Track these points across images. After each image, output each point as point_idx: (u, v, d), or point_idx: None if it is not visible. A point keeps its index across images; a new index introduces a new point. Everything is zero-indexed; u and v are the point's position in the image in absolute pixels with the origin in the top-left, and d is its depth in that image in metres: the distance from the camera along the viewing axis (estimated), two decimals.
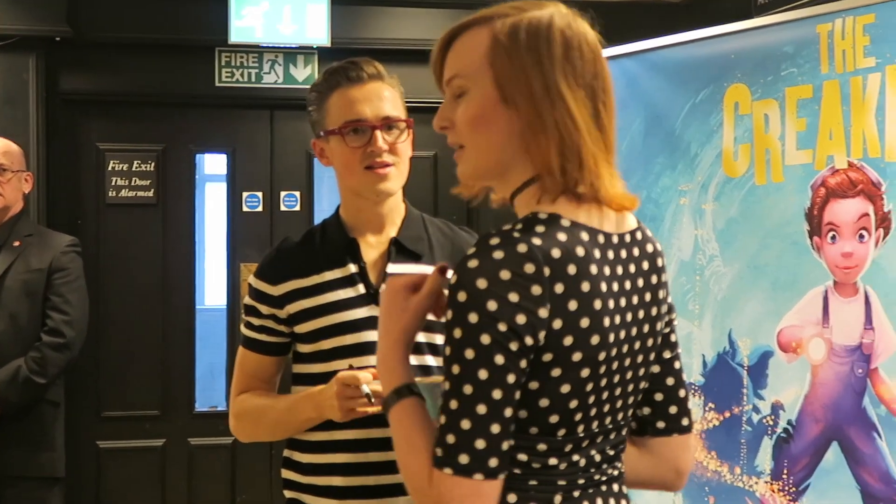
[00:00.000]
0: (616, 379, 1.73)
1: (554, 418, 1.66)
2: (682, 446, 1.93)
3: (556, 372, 1.63)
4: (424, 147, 6.21)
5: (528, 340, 1.58)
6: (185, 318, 6.10)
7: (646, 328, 1.77)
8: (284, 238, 2.59)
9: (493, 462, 1.57)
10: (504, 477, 1.60)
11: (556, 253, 1.60)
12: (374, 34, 6.05)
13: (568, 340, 1.61)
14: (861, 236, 3.33)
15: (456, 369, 1.58)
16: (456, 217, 6.24)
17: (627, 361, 1.74)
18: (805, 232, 3.48)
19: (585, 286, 1.63)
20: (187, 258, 6.11)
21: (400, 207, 2.57)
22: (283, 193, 6.12)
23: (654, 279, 1.80)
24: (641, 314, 1.76)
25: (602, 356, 1.67)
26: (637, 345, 1.76)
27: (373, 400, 2.28)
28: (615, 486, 1.80)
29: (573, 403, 1.66)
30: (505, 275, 1.56)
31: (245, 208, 6.14)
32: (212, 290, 8.52)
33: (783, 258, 3.56)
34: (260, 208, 6.13)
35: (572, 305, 1.61)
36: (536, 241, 1.60)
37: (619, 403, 1.77)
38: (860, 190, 3.33)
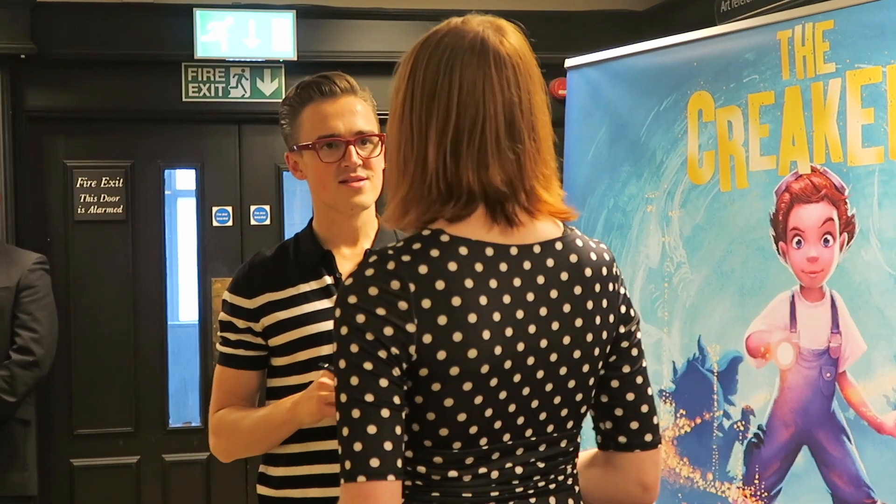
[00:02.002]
0: (525, 391, 1.72)
1: (444, 431, 1.68)
2: (646, 461, 1.91)
3: (436, 386, 1.66)
4: None
5: (394, 350, 1.62)
6: (157, 334, 6.08)
7: (565, 339, 1.75)
8: (257, 252, 2.60)
9: (374, 462, 1.60)
10: (396, 480, 1.62)
11: (422, 269, 1.64)
12: (340, 47, 6.05)
13: (441, 355, 1.64)
14: (826, 241, 3.35)
15: (335, 381, 1.65)
16: None
17: (540, 374, 1.73)
18: (770, 237, 3.50)
19: (456, 301, 1.65)
20: (158, 274, 6.09)
21: (373, 221, 2.58)
22: (252, 207, 6.12)
23: (577, 290, 1.78)
24: (556, 325, 1.74)
25: (485, 369, 1.67)
26: (553, 356, 1.74)
27: None
28: (552, 499, 1.79)
29: (461, 417, 1.67)
30: (373, 290, 1.63)
31: (215, 223, 6.13)
32: (184, 305, 8.49)
33: (749, 264, 3.57)
34: (230, 223, 6.12)
35: (441, 320, 1.64)
36: (406, 258, 1.65)
37: (543, 415, 1.76)
38: (824, 195, 3.35)
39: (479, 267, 1.68)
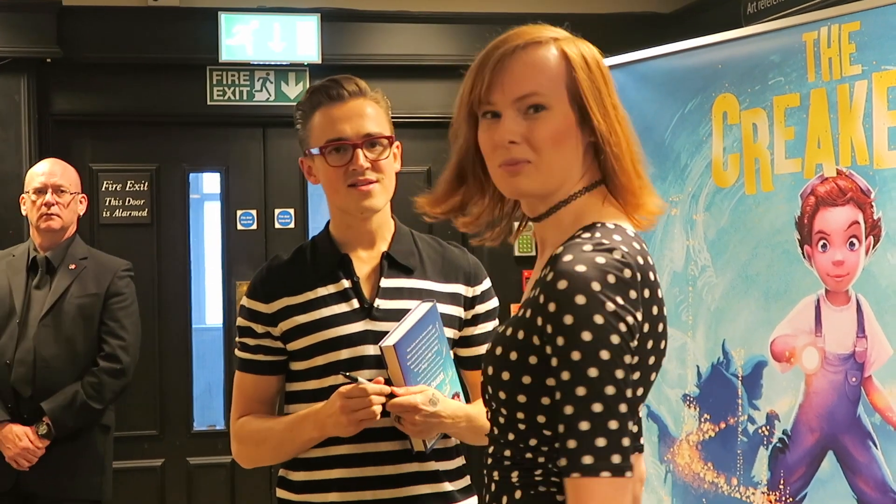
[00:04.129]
0: (649, 387, 1.78)
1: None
2: (639, 460, 1.91)
3: (636, 375, 1.67)
4: (418, 162, 6.22)
5: (633, 342, 1.63)
6: (182, 337, 6.10)
7: (665, 341, 1.81)
8: (274, 256, 2.59)
9: (616, 458, 1.58)
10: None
11: (640, 260, 1.67)
12: (364, 50, 6.05)
13: (649, 344, 1.69)
14: (851, 244, 3.32)
15: (593, 372, 1.58)
16: (451, 232, 6.22)
17: (658, 371, 1.80)
18: (796, 241, 3.47)
19: (659, 292, 1.71)
20: (182, 277, 6.10)
21: (389, 223, 2.57)
22: (277, 211, 6.12)
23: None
24: (664, 325, 1.80)
25: (652, 360, 1.73)
26: (664, 356, 1.81)
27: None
28: None
29: (640, 406, 1.73)
30: (612, 278, 1.61)
31: (240, 226, 6.13)
32: (209, 308, 8.51)
33: (774, 267, 3.55)
34: (254, 226, 6.13)
35: (654, 310, 1.69)
36: (624, 248, 1.65)
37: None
38: (849, 198, 3.32)
39: (650, 261, 1.73)
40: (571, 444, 1.57)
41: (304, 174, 2.57)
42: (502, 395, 1.73)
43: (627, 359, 1.60)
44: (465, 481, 2.55)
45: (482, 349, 2.58)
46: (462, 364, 2.57)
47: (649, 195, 1.80)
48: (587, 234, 1.68)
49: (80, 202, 4.49)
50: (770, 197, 3.56)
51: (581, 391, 1.57)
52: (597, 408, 1.57)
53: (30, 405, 4.20)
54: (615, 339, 1.59)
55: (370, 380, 2.35)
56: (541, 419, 1.67)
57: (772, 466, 3.57)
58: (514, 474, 1.74)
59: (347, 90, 2.47)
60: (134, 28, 5.83)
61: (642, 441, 1.94)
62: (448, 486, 2.49)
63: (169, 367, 6.04)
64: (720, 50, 3.74)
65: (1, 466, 4.18)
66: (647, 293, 1.66)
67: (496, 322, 2.62)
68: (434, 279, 2.53)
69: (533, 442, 1.69)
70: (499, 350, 1.74)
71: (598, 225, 1.71)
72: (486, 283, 2.62)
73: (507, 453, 1.75)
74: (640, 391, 1.69)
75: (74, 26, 5.76)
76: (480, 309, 2.59)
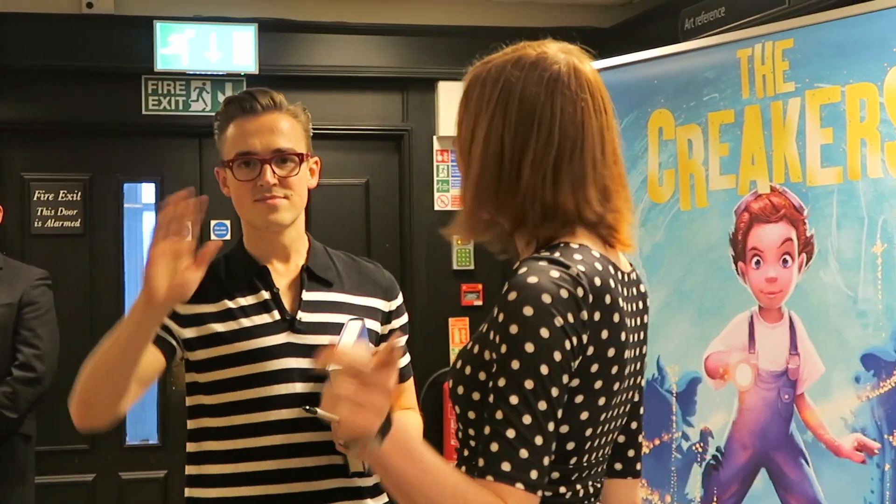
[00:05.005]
0: (616, 412, 1.76)
1: (570, 445, 1.67)
2: (633, 488, 1.96)
3: (579, 398, 1.64)
4: (357, 174, 6.19)
5: (573, 362, 1.60)
6: None
7: (637, 366, 1.80)
8: None
9: (534, 475, 1.56)
10: (539, 495, 1.58)
11: (597, 281, 1.63)
12: (302, 61, 6.01)
13: (594, 367, 1.64)
14: (785, 261, 3.33)
15: (529, 384, 1.56)
16: (388, 244, 6.20)
17: (624, 396, 1.77)
18: (730, 257, 3.48)
19: (616, 317, 1.66)
20: (115, 289, 6.01)
21: (303, 237, 2.53)
22: (213, 222, 6.05)
23: (645, 318, 1.84)
24: (637, 352, 1.79)
25: (616, 387, 1.70)
26: (631, 381, 1.78)
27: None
28: None
29: (588, 431, 1.68)
30: (564, 293, 1.58)
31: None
32: None
33: (709, 283, 3.55)
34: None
35: (604, 334, 1.63)
36: (581, 268, 1.62)
37: (611, 437, 1.80)
38: (783, 215, 3.33)
39: (619, 287, 1.70)
40: (494, 447, 1.56)
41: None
42: (458, 409, 1.73)
43: (566, 378, 1.58)
44: (384, 498, 2.52)
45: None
46: None
47: (619, 223, 1.75)
48: (546, 252, 1.66)
49: None
50: (705, 213, 3.56)
51: (514, 400, 1.56)
52: (526, 420, 1.55)
53: None
54: (557, 356, 1.57)
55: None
56: (484, 427, 1.63)
57: (705, 483, 3.57)
58: None
59: (261, 103, 2.42)
60: (68, 35, 5.75)
61: (639, 468, 1.95)
62: (370, 503, 2.46)
63: None
64: (656, 65, 3.75)
65: None
66: (597, 316, 1.62)
67: (406, 337, 2.60)
68: (352, 292, 2.49)
69: (482, 462, 1.65)
70: (459, 364, 1.73)
71: (562, 245, 1.68)
72: (401, 298, 2.60)
73: (463, 469, 1.73)
74: (583, 415, 1.66)
75: (7, 33, 5.66)
76: (396, 323, 2.57)
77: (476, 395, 1.68)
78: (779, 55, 3.31)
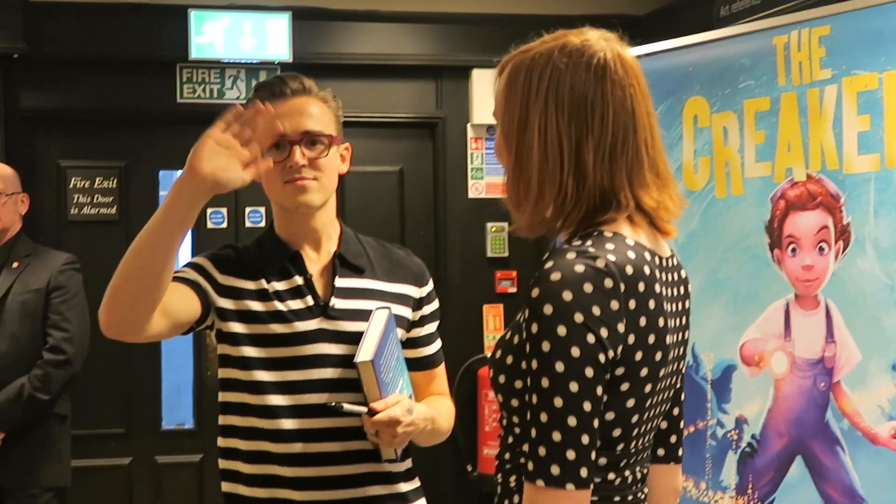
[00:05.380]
0: (661, 398, 1.78)
1: (617, 432, 1.69)
2: (675, 473, 1.99)
3: (625, 386, 1.66)
4: (391, 162, 6.20)
5: (611, 353, 1.61)
6: None
7: (680, 351, 1.82)
8: (226, 245, 2.52)
9: (584, 472, 1.59)
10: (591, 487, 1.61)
11: (628, 269, 1.64)
12: (336, 49, 6.01)
13: (638, 355, 1.65)
14: (821, 249, 3.31)
15: (545, 382, 1.59)
16: (423, 232, 6.21)
17: (668, 381, 1.78)
18: (765, 245, 3.46)
19: (652, 303, 1.67)
20: None
21: (335, 223, 2.54)
22: (247, 209, 6.07)
23: (686, 304, 1.85)
24: (678, 337, 1.80)
25: (661, 372, 1.72)
26: (674, 366, 1.79)
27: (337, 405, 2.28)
28: None
29: (634, 418, 1.70)
30: (588, 288, 1.59)
31: (210, 224, 6.08)
32: None
33: (744, 271, 3.54)
34: (224, 224, 6.08)
35: (642, 321, 1.65)
36: (611, 257, 1.63)
37: (655, 422, 1.82)
38: (819, 202, 3.31)
39: (657, 273, 1.71)
40: (542, 451, 1.59)
41: None
42: (501, 398, 1.75)
43: (589, 371, 1.58)
44: (416, 482, 2.53)
45: (428, 350, 2.59)
46: (409, 365, 2.54)
47: (656, 208, 1.75)
48: (578, 242, 1.68)
49: (21, 202, 4.54)
50: (740, 201, 3.55)
51: (558, 402, 1.59)
52: (571, 421, 1.58)
53: None
54: (575, 351, 1.58)
55: (352, 403, 2.31)
56: (531, 430, 1.66)
57: (740, 471, 3.56)
58: (513, 479, 1.75)
59: (291, 87, 2.44)
60: (103, 24, 5.77)
61: (680, 453, 1.98)
62: (403, 487, 2.48)
63: (137, 365, 5.98)
64: (691, 53, 3.73)
65: None
66: (632, 304, 1.63)
67: (437, 323, 2.61)
68: (383, 279, 2.51)
69: (527, 447, 1.67)
70: (498, 353, 1.75)
71: (595, 233, 1.70)
72: (431, 284, 2.61)
73: (507, 456, 1.77)
74: (629, 402, 1.68)
75: (42, 22, 5.70)
76: (427, 310, 2.58)
77: (518, 384, 1.69)
78: (815, 42, 3.29)
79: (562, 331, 1.58)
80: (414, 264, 2.59)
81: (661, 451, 1.94)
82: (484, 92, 5.96)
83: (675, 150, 3.76)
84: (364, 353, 2.29)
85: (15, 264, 4.40)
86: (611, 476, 1.71)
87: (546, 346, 1.59)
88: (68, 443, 4.51)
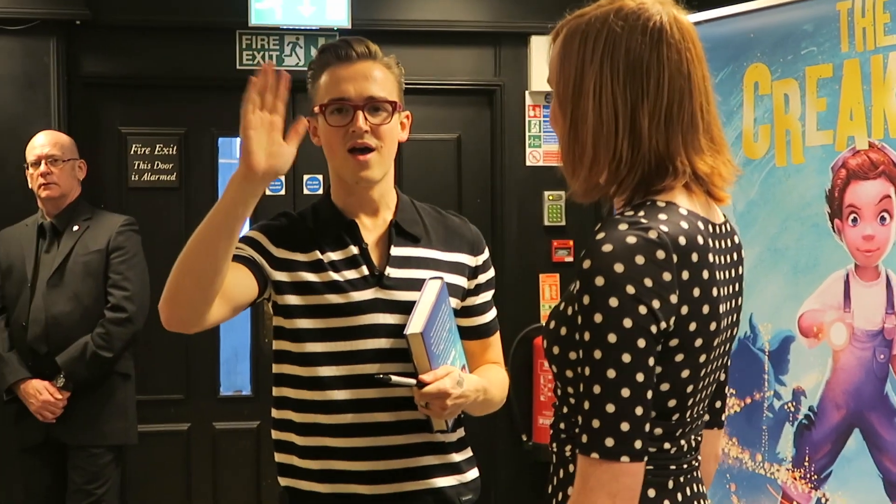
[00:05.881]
0: (714, 366, 1.77)
1: (672, 402, 1.69)
2: (718, 438, 2.02)
3: (679, 357, 1.66)
4: (449, 129, 6.18)
5: (663, 324, 1.60)
6: None
7: (734, 318, 1.82)
8: (281, 213, 2.52)
9: (638, 444, 1.59)
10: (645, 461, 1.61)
11: (681, 240, 1.63)
12: (395, 15, 6.00)
13: (692, 326, 1.65)
14: (882, 219, 3.26)
15: (598, 354, 1.59)
16: (480, 200, 6.20)
17: (721, 350, 1.78)
18: (826, 214, 3.42)
19: (706, 274, 1.66)
20: None
21: (392, 191, 2.52)
22: (305, 177, 6.09)
23: (739, 270, 1.84)
24: (732, 304, 1.80)
25: (716, 342, 1.72)
26: (727, 334, 1.80)
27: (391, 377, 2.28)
28: (698, 474, 1.83)
29: (689, 388, 1.70)
30: (640, 259, 1.59)
31: (268, 192, 6.09)
32: None
33: (804, 241, 3.50)
34: (282, 192, 6.10)
35: (696, 292, 1.64)
36: (664, 228, 1.62)
37: (709, 391, 1.82)
38: (881, 171, 3.26)
39: (710, 242, 1.70)
40: (595, 423, 1.58)
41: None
42: (555, 368, 1.75)
43: (641, 342, 1.58)
44: (468, 452, 2.53)
45: (483, 318, 2.58)
46: (463, 334, 2.53)
47: (710, 174, 1.73)
48: (630, 212, 1.67)
49: (79, 168, 4.72)
50: (801, 169, 3.50)
51: (611, 374, 1.58)
52: (625, 392, 1.58)
53: (47, 361, 4.44)
54: (627, 322, 1.57)
55: (402, 374, 2.30)
56: (584, 402, 1.65)
57: (797, 443, 3.53)
58: (568, 448, 1.76)
59: (356, 51, 2.42)
60: None
61: (724, 418, 2.00)
62: (455, 457, 2.47)
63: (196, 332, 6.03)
64: (753, 18, 3.68)
65: (30, 421, 4.47)
66: (685, 275, 1.62)
67: (493, 292, 2.60)
68: (439, 248, 2.49)
69: (580, 419, 1.67)
70: (552, 324, 1.75)
71: (648, 203, 1.69)
72: (487, 253, 2.59)
73: (562, 426, 1.77)
74: (685, 373, 1.67)
75: None
76: (482, 278, 2.56)
77: (573, 355, 1.69)
78: (880, 7, 3.23)
79: (614, 302, 1.57)
80: (470, 232, 2.57)
81: (706, 417, 1.92)
82: (542, 59, 5.92)
83: (735, 118, 3.71)
84: (415, 324, 2.28)
85: (75, 227, 4.56)
86: (666, 445, 1.71)
87: (598, 318, 1.58)
88: (133, 401, 4.68)
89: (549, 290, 6.14)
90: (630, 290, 1.57)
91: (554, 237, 6.17)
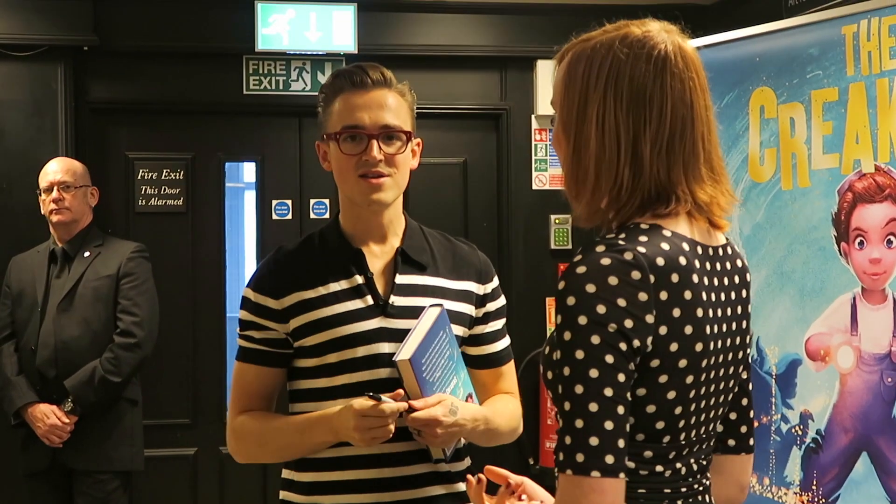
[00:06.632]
0: (711, 388, 1.76)
1: (660, 424, 1.69)
2: (747, 464, 1.97)
3: (663, 378, 1.66)
4: (455, 153, 6.19)
5: (636, 343, 1.60)
6: (216, 325, 6.09)
7: (737, 340, 1.80)
8: (279, 247, 2.50)
9: (609, 459, 1.58)
10: (623, 478, 1.60)
11: (660, 261, 1.64)
12: (401, 40, 6.02)
13: (674, 347, 1.65)
14: (889, 242, 3.26)
15: (567, 370, 1.60)
16: (486, 224, 6.20)
17: (721, 372, 1.77)
18: (832, 237, 3.42)
19: (688, 294, 1.66)
20: (217, 266, 6.09)
21: (401, 217, 2.51)
22: (312, 201, 6.10)
23: (743, 293, 1.83)
24: (734, 326, 1.79)
25: (704, 363, 1.70)
26: (729, 356, 1.78)
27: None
28: (708, 498, 1.81)
29: (678, 410, 1.70)
30: (613, 280, 1.60)
31: (275, 216, 6.12)
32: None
33: (810, 264, 3.50)
34: (289, 216, 6.11)
35: (676, 312, 1.65)
36: (641, 249, 1.63)
37: (712, 413, 1.80)
38: (888, 194, 3.26)
39: (697, 263, 1.71)
40: (567, 440, 1.59)
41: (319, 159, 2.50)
42: (550, 393, 1.74)
43: (609, 358, 1.58)
44: None
45: (493, 347, 2.56)
46: (472, 363, 2.51)
47: (699, 198, 1.74)
48: (611, 235, 1.68)
49: (91, 194, 4.78)
50: (807, 193, 3.50)
51: (560, 389, 1.60)
52: (593, 407, 1.58)
53: (55, 385, 4.46)
54: (595, 339, 1.58)
55: (393, 392, 2.30)
56: (559, 420, 1.66)
57: (805, 467, 3.52)
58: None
59: (371, 78, 2.41)
60: (170, 16, 5.82)
61: (751, 443, 1.96)
62: (462, 487, 2.44)
63: (202, 355, 6.04)
64: (758, 42, 3.69)
65: (37, 446, 4.48)
66: (664, 295, 1.63)
67: (504, 321, 2.58)
68: (446, 276, 2.47)
69: (561, 455, 1.67)
70: (547, 349, 1.74)
71: (632, 226, 1.70)
72: (496, 281, 2.57)
73: (561, 457, 1.74)
74: (670, 394, 1.67)
75: (111, 14, 5.75)
76: (491, 307, 2.54)
77: None
78: (885, 31, 3.23)
79: (582, 320, 1.59)
80: (479, 260, 2.56)
81: (731, 442, 1.92)
82: (548, 83, 5.93)
83: (741, 142, 3.72)
84: (404, 351, 2.27)
85: (87, 253, 4.60)
86: (658, 468, 1.71)
87: (567, 336, 1.60)
88: (140, 427, 4.70)
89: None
90: (601, 309, 1.58)
91: (560, 260, 6.17)
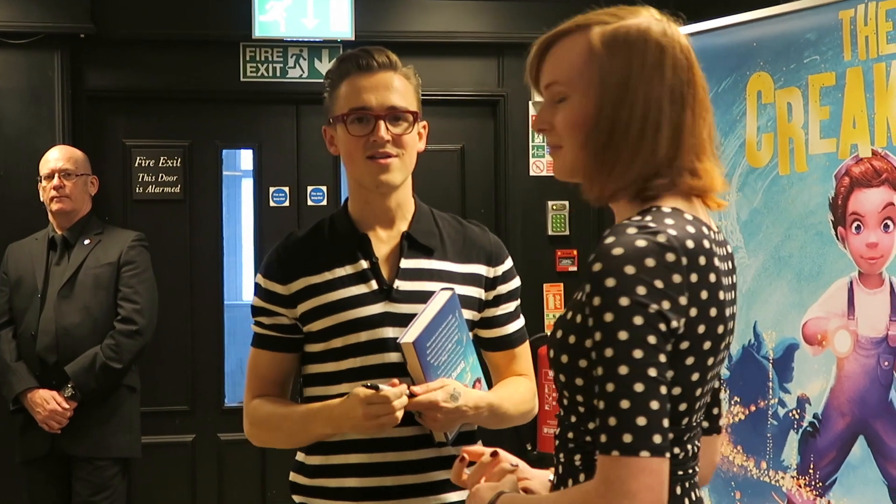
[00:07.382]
0: (715, 371, 1.78)
1: (683, 406, 1.71)
2: (717, 444, 2.00)
3: (689, 360, 1.68)
4: (452, 140, 6.19)
5: (674, 324, 1.62)
6: (214, 313, 6.09)
7: (731, 325, 1.82)
8: (289, 233, 2.54)
9: (657, 438, 1.58)
10: (669, 458, 1.60)
11: (689, 244, 1.66)
12: (398, 27, 6.01)
13: (701, 329, 1.67)
14: (886, 226, 3.27)
15: (609, 352, 1.60)
16: (484, 210, 6.21)
17: (721, 356, 1.79)
18: (829, 222, 3.42)
19: (712, 277, 1.69)
20: (214, 254, 6.10)
21: (409, 201, 2.52)
22: (309, 188, 6.10)
23: (734, 278, 1.85)
24: (734, 310, 1.81)
25: (721, 345, 1.74)
26: (728, 339, 1.80)
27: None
28: (697, 480, 1.83)
29: (698, 391, 1.72)
30: (650, 262, 1.61)
31: (272, 203, 6.12)
32: (245, 284, 8.49)
33: (807, 249, 3.50)
34: (287, 203, 6.11)
35: (704, 295, 1.67)
36: (672, 232, 1.65)
37: (708, 396, 1.82)
38: (884, 179, 3.27)
39: (714, 247, 1.73)
40: (612, 421, 1.59)
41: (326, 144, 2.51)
42: (563, 377, 1.75)
43: (652, 339, 1.59)
44: None
45: (505, 329, 2.56)
46: (484, 345, 2.53)
47: (707, 185, 1.77)
48: (638, 217, 1.69)
49: (91, 183, 4.81)
50: (804, 177, 3.51)
51: (623, 370, 1.59)
52: (638, 387, 1.58)
53: (55, 371, 4.49)
54: (638, 319, 1.59)
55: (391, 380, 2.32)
56: (599, 403, 1.66)
57: (802, 451, 3.53)
58: (577, 457, 1.76)
59: (377, 61, 2.42)
60: (167, 4, 5.82)
61: (721, 423, 1.99)
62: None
63: (200, 342, 6.05)
64: (755, 28, 3.69)
65: (36, 432, 4.51)
66: (694, 277, 1.65)
67: (518, 302, 2.59)
68: (454, 260, 2.48)
69: (592, 425, 1.69)
70: (559, 333, 1.76)
71: (654, 209, 1.71)
72: (508, 263, 2.58)
73: (570, 435, 1.77)
74: (694, 376, 1.69)
75: (108, 2, 5.75)
76: (502, 289, 2.55)
77: (583, 363, 1.70)
78: (882, 16, 3.24)
79: (624, 301, 1.59)
80: (489, 242, 2.57)
81: (704, 424, 1.93)
82: None
83: (738, 127, 3.72)
84: (409, 334, 2.28)
85: (87, 241, 4.64)
86: (676, 450, 1.72)
87: (609, 317, 1.60)
88: (138, 415, 4.74)
89: (553, 300, 6.15)
90: (641, 290, 1.59)
91: (558, 247, 6.18)
